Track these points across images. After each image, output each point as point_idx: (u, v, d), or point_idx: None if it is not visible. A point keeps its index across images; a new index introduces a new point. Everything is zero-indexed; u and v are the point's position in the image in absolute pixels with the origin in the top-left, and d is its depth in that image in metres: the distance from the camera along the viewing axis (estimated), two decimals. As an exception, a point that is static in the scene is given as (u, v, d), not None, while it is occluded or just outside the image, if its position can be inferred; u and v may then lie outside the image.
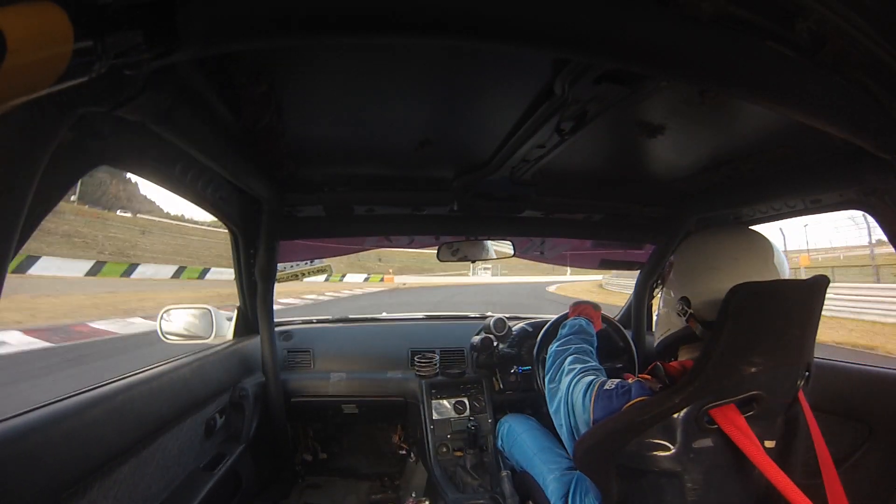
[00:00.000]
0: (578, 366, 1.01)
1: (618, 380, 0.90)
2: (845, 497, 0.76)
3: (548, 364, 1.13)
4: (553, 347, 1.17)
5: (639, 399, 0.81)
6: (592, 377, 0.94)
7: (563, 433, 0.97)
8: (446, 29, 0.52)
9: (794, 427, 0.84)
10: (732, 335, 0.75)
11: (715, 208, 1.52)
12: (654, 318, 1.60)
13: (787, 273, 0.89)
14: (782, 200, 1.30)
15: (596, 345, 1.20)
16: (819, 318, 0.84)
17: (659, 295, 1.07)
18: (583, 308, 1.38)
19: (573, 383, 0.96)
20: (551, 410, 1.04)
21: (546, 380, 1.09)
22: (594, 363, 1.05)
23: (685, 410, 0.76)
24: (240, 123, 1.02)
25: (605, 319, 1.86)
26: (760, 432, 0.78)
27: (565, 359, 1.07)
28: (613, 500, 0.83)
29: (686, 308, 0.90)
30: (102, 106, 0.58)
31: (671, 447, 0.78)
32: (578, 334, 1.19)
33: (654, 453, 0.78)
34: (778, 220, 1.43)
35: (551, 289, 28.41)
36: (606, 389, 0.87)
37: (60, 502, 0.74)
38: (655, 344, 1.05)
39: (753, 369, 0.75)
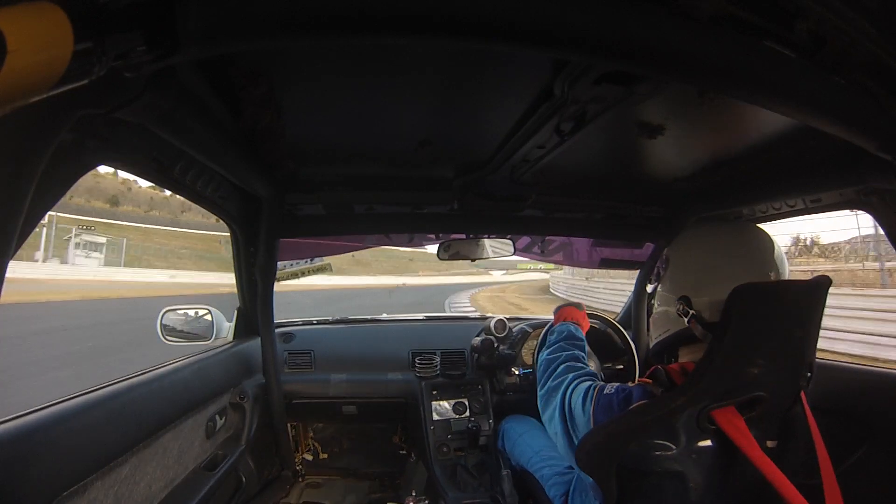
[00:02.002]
0: (571, 374, 0.98)
1: (617, 383, 0.88)
2: (841, 499, 0.76)
3: (539, 373, 1.10)
4: (543, 356, 1.13)
5: (641, 402, 0.80)
6: (589, 382, 0.92)
7: (559, 441, 0.95)
8: (446, 29, 0.52)
9: (794, 427, 0.84)
10: (736, 336, 0.75)
11: (715, 208, 1.52)
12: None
13: (787, 269, 0.88)
14: (782, 200, 1.30)
15: (587, 349, 1.17)
16: (821, 318, 0.83)
17: (650, 291, 1.06)
18: (568, 312, 1.32)
19: (569, 391, 0.94)
20: (544, 419, 1.01)
21: (538, 389, 1.06)
22: (587, 368, 1.03)
23: (688, 411, 0.76)
24: (240, 124, 1.02)
25: (604, 320, 1.86)
26: (762, 433, 0.78)
27: (557, 367, 1.04)
28: (614, 501, 0.83)
29: (687, 308, 0.88)
30: (102, 108, 0.58)
31: (673, 448, 0.77)
32: (568, 340, 1.15)
33: (657, 454, 0.78)
34: (778, 219, 1.43)
35: (462, 297, 19.36)
36: (606, 394, 0.86)
37: (61, 501, 0.74)
38: (652, 345, 1.03)
39: (756, 370, 0.75)
